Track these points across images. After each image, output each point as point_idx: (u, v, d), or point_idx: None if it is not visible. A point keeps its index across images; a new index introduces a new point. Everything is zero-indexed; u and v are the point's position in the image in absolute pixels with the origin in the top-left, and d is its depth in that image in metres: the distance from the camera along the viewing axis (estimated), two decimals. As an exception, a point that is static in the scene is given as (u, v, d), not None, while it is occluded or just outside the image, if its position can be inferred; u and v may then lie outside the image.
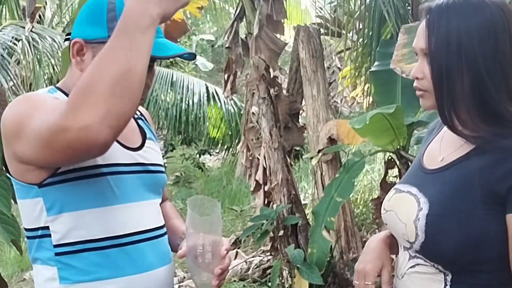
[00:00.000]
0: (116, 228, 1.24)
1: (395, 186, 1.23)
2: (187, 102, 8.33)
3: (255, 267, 4.46)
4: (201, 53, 13.96)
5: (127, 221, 1.26)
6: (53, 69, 6.52)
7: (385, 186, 3.38)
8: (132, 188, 1.29)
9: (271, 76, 4.01)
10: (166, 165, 7.94)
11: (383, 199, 1.24)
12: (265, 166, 3.89)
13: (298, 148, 4.71)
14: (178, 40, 7.94)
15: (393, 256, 1.24)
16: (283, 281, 3.75)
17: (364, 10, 4.57)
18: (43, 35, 6.41)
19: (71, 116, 1.00)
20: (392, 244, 1.23)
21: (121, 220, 1.25)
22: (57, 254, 1.23)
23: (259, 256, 4.62)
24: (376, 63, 3.66)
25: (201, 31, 14.87)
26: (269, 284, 3.81)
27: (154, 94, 8.05)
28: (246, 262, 4.53)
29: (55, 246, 1.23)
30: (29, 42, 6.20)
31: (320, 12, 7.98)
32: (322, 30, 5.58)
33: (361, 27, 4.71)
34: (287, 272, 3.71)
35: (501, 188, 1.00)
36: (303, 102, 4.22)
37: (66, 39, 1.33)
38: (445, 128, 1.13)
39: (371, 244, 1.24)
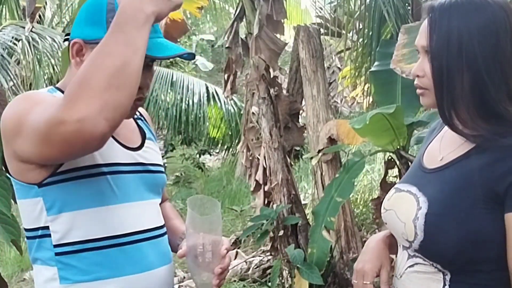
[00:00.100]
0: (116, 228, 1.24)
1: (395, 186, 1.23)
2: (187, 102, 8.33)
3: (255, 267, 4.46)
4: (201, 53, 13.96)
5: (127, 221, 1.26)
6: (53, 69, 6.52)
7: (385, 186, 3.38)
8: (132, 188, 1.29)
9: (271, 76, 4.02)
10: (166, 165, 7.96)
11: (383, 199, 1.24)
12: (265, 166, 3.89)
13: (298, 148, 4.71)
14: (178, 40, 7.94)
15: (393, 256, 1.24)
16: (283, 281, 3.75)
17: (364, 10, 4.57)
18: (43, 35, 6.41)
19: (67, 109, 1.01)
20: (391, 244, 1.23)
21: (121, 219, 1.25)
22: (57, 254, 1.23)
23: (259, 256, 4.62)
24: (376, 63, 3.66)
25: (201, 31, 14.88)
26: (269, 284, 3.81)
27: (154, 94, 8.05)
28: (246, 262, 4.53)
29: (55, 246, 1.23)
30: (29, 42, 6.20)
31: (320, 12, 7.98)
32: (322, 30, 5.58)
33: (361, 27, 4.71)
34: (287, 272, 3.72)
35: (500, 187, 1.00)
36: (303, 102, 4.22)
37: (65, 40, 1.33)
38: (446, 128, 1.13)
39: (370, 244, 1.24)
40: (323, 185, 3.73)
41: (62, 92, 1.29)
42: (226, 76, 4.74)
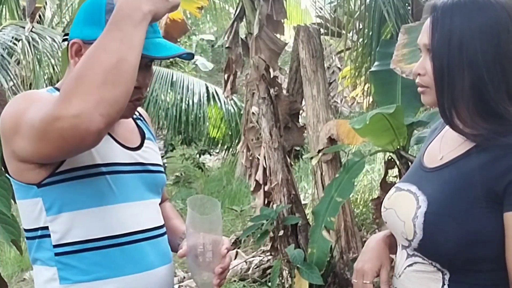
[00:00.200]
0: (115, 228, 1.24)
1: (396, 185, 1.23)
2: (187, 102, 8.33)
3: (255, 267, 4.46)
4: (201, 53, 13.96)
5: (126, 221, 1.26)
6: (53, 69, 6.52)
7: (385, 186, 3.38)
8: (132, 188, 1.29)
9: (271, 76, 4.02)
10: (166, 165, 7.96)
11: (383, 199, 1.25)
12: (265, 166, 3.89)
13: (298, 148, 4.71)
14: (178, 40, 7.94)
15: (393, 256, 1.24)
16: (283, 281, 3.75)
17: (364, 10, 4.56)
18: (43, 35, 6.41)
19: (63, 105, 1.02)
20: (391, 244, 1.23)
21: (120, 219, 1.25)
22: (56, 254, 1.23)
23: (259, 256, 4.62)
24: (376, 63, 3.66)
25: (201, 31, 14.88)
26: (269, 284, 3.81)
27: (154, 94, 8.05)
28: (246, 262, 4.53)
29: (55, 246, 1.23)
30: (29, 42, 6.19)
31: (320, 12, 7.97)
32: (322, 30, 5.57)
33: (361, 27, 4.70)
34: (287, 272, 3.72)
35: (499, 186, 1.00)
36: (303, 102, 4.22)
37: (64, 40, 1.33)
38: (447, 127, 1.14)
39: (370, 244, 1.25)
40: (323, 185, 3.73)
41: (62, 92, 1.29)
42: (226, 76, 4.74)
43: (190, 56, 1.31)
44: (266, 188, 3.91)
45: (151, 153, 1.39)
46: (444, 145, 1.15)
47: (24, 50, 6.19)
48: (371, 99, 4.54)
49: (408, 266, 1.13)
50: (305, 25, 4.02)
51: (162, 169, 1.42)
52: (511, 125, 1.03)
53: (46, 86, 1.99)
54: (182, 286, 4.26)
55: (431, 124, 3.22)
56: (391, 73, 3.13)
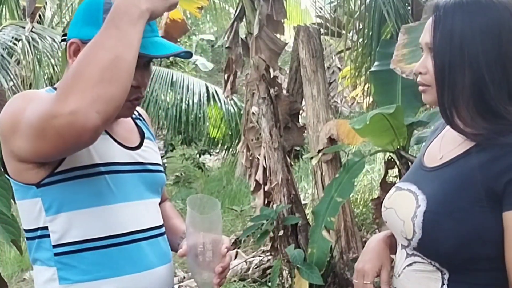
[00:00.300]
0: (115, 227, 1.24)
1: (396, 184, 1.24)
2: (187, 102, 8.33)
3: (255, 267, 4.46)
4: (201, 53, 13.97)
5: (126, 220, 1.26)
6: (53, 69, 6.51)
7: (385, 186, 3.38)
8: (131, 187, 1.29)
9: (271, 76, 4.02)
10: (166, 165, 7.97)
11: (383, 199, 1.25)
12: (265, 166, 3.89)
13: (298, 148, 4.71)
14: (178, 40, 7.94)
15: (393, 256, 1.24)
16: (283, 281, 3.75)
17: (364, 10, 4.57)
18: (43, 35, 6.40)
19: (60, 102, 1.02)
20: (392, 244, 1.23)
21: (119, 219, 1.25)
22: (56, 254, 1.23)
23: (259, 256, 4.62)
24: (376, 63, 3.66)
25: (201, 31, 14.88)
26: (269, 284, 3.81)
27: (154, 94, 8.05)
28: (246, 262, 4.53)
29: (54, 246, 1.22)
30: (29, 42, 6.19)
31: (320, 12, 7.97)
32: (322, 30, 5.58)
33: (361, 27, 4.71)
34: (287, 272, 3.72)
35: (498, 185, 1.00)
36: (303, 102, 4.22)
37: (62, 40, 1.33)
38: (447, 127, 1.14)
39: (371, 244, 1.25)
40: (323, 185, 3.73)
41: (61, 91, 1.29)
42: (226, 76, 4.74)
43: (188, 55, 1.31)
44: (266, 188, 3.91)
45: (151, 152, 1.39)
46: (444, 145, 1.15)
47: (24, 50, 6.19)
48: (371, 99, 4.54)
49: (408, 265, 1.13)
50: (305, 25, 4.02)
51: (161, 168, 1.42)
52: (511, 125, 1.03)
53: (46, 86, 1.99)
54: (182, 286, 4.26)
55: (431, 124, 3.23)
56: (391, 73, 3.13)
